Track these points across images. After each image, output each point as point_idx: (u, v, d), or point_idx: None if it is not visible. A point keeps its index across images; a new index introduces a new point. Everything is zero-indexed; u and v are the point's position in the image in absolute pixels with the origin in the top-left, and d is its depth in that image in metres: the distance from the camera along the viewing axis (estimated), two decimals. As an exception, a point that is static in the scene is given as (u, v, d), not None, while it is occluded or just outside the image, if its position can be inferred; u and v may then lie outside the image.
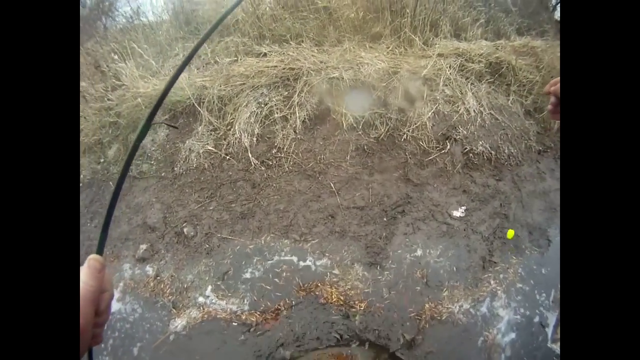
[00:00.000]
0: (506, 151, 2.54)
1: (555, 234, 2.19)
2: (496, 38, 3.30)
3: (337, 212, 1.98)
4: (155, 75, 2.73)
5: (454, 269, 1.90)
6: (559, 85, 0.71)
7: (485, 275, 1.94)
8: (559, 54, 2.90)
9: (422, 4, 3.07)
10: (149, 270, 2.01)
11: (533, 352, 1.70)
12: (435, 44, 3.00)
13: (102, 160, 2.70)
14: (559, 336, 1.81)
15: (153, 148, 2.48)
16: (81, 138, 2.79)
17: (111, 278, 0.51)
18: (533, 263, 2.01)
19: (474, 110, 2.65)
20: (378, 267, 1.82)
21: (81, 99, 2.98)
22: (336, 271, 1.80)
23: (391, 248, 1.90)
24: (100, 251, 0.57)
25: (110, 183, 2.55)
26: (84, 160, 2.76)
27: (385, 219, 1.98)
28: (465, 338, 1.71)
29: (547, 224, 2.20)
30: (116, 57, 2.99)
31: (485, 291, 1.88)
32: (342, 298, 1.72)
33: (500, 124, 2.67)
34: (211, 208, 2.08)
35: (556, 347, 1.75)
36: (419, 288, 1.79)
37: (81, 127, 2.83)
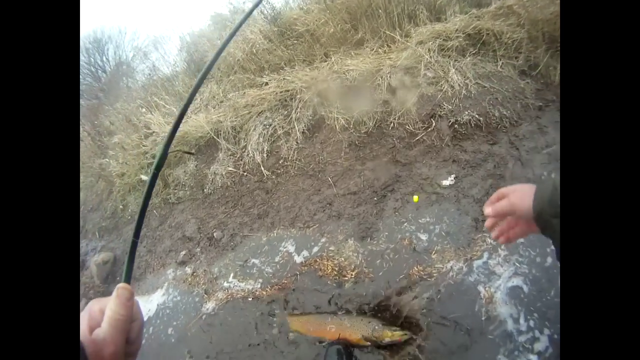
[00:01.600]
0: (497, 114, 2.76)
1: (562, 181, 2.36)
2: (477, 9, 3.39)
3: (334, 200, 2.45)
4: (179, 120, 3.65)
5: (443, 233, 2.18)
6: (500, 202, 0.76)
7: (479, 235, 2.13)
8: (537, 5, 3.02)
9: (395, 0, 3.44)
10: (188, 270, 2.67)
11: (542, 308, 1.75)
12: (412, 33, 3.34)
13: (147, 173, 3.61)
14: None
15: (185, 177, 3.29)
16: (125, 180, 3.74)
17: (140, 307, 0.56)
18: None
19: (458, 85, 2.92)
20: (369, 240, 2.21)
21: (120, 149, 3.98)
22: (332, 247, 2.24)
23: (382, 222, 2.28)
24: (127, 280, 0.62)
25: (155, 212, 3.43)
26: (130, 198, 3.71)
27: (375, 199, 2.39)
28: (459, 296, 1.90)
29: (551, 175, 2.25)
30: (143, 110, 3.98)
31: (479, 250, 2.07)
32: (336, 269, 2.14)
33: (488, 90, 2.90)
34: (235, 214, 2.72)
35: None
36: (407, 254, 2.12)
37: (124, 171, 3.79)
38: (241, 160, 2.97)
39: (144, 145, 3.74)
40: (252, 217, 2.66)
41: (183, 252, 2.80)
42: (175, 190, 3.28)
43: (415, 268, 2.09)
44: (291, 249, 2.39)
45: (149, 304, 2.92)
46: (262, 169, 2.83)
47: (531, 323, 1.74)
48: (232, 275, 2.48)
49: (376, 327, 1.88)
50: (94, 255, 3.70)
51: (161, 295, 2.85)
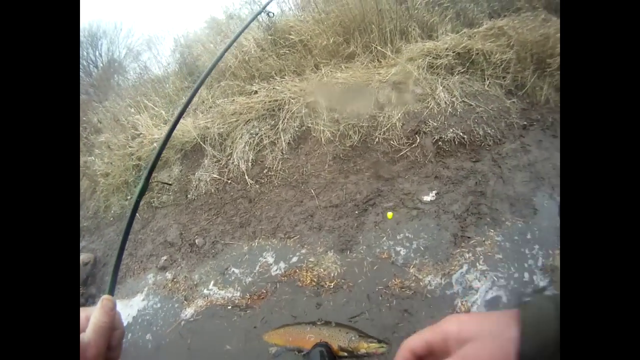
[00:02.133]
0: (481, 132, 2.83)
1: (541, 201, 2.30)
2: (468, 29, 3.54)
3: (315, 212, 2.49)
4: (166, 123, 3.63)
5: (422, 247, 2.23)
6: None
7: (457, 250, 2.18)
8: (527, 27, 3.15)
9: (388, 16, 3.55)
10: (168, 275, 2.67)
11: None
12: (403, 50, 3.44)
13: (128, 197, 3.60)
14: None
15: (171, 181, 3.34)
16: (110, 180, 3.72)
17: (121, 317, 0.61)
18: (516, 233, 2.13)
19: (444, 102, 2.99)
20: (348, 252, 2.25)
21: (107, 148, 3.96)
22: (312, 259, 2.28)
23: (362, 235, 2.33)
24: (111, 292, 0.69)
25: (138, 215, 3.42)
26: (113, 199, 3.69)
27: (356, 212, 2.43)
28: (436, 309, 1.93)
29: (532, 193, 2.34)
30: (132, 110, 3.98)
31: (456, 265, 2.12)
32: (315, 280, 2.18)
33: (473, 109, 2.98)
34: (217, 222, 2.73)
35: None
36: (385, 267, 2.16)
37: (109, 171, 3.76)
38: (226, 167, 2.99)
39: (130, 147, 3.73)
40: (234, 226, 2.68)
41: (164, 257, 2.80)
42: (159, 194, 3.27)
43: (394, 281, 2.13)
44: (271, 259, 2.42)
45: (128, 309, 2.90)
46: (247, 177, 2.86)
47: None
48: (212, 282, 2.49)
49: (353, 338, 1.92)
50: (74, 255, 3.64)
51: (141, 300, 2.84)
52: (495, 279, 2.00)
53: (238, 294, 2.35)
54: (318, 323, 2.05)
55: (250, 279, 2.39)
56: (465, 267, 2.12)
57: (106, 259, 3.41)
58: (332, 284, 2.18)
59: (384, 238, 2.37)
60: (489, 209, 2.39)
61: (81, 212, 4.04)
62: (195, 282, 2.55)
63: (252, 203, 2.75)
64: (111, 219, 3.66)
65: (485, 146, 2.81)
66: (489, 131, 2.90)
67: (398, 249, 2.31)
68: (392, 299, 2.06)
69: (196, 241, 2.73)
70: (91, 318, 0.55)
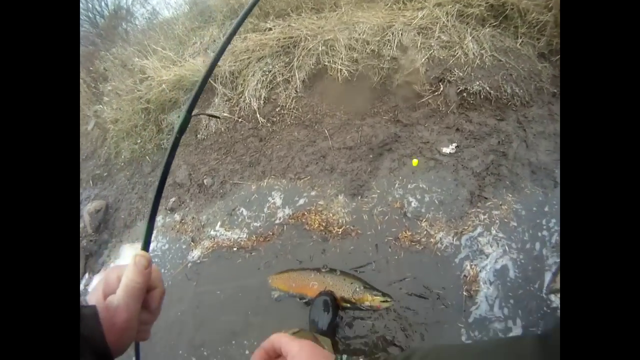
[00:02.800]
0: (508, 91, 2.60)
1: (564, 176, 2.22)
2: None
3: (328, 153, 2.35)
4: (175, 64, 3.46)
5: (437, 201, 2.10)
6: None
7: (473, 210, 2.06)
8: None
9: None
10: (176, 217, 2.62)
11: (524, 299, 1.69)
12: None
13: (139, 141, 3.51)
14: (558, 286, 1.71)
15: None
16: (119, 126, 3.62)
17: (161, 275, 0.55)
18: (533, 203, 2.00)
19: (472, 53, 2.74)
20: (359, 198, 2.14)
21: (115, 95, 3.83)
22: (321, 202, 2.17)
23: (375, 181, 2.19)
24: (146, 247, 0.62)
25: (147, 157, 3.35)
26: (124, 145, 3.61)
27: (371, 156, 2.28)
28: (444, 269, 1.85)
29: (555, 165, 2.19)
30: (140, 54, 3.80)
31: (470, 225, 2.02)
32: (323, 224, 2.08)
33: (503, 65, 2.74)
34: (227, 161, 2.62)
35: (554, 299, 1.68)
36: (397, 217, 2.05)
37: (118, 117, 3.65)
38: (237, 106, 2.83)
39: (138, 90, 3.58)
40: (243, 165, 2.57)
41: (173, 199, 2.73)
42: (169, 136, 3.17)
43: (403, 233, 2.02)
44: (279, 200, 2.32)
45: (136, 252, 2.90)
46: (258, 115, 2.70)
47: (506, 311, 1.71)
48: (219, 224, 2.42)
49: (357, 289, 1.85)
50: (87, 203, 3.66)
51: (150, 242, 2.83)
52: (507, 248, 1.90)
53: (244, 235, 2.28)
54: (323, 270, 1.98)
55: (257, 221, 2.31)
56: (478, 230, 2.01)
57: (117, 204, 3.39)
58: (340, 230, 2.08)
59: (398, 186, 2.24)
60: (509, 172, 2.24)
61: (93, 161, 4.02)
62: (202, 224, 2.48)
63: (263, 142, 2.62)
64: (122, 164, 3.60)
65: (512, 106, 2.61)
66: (517, 91, 2.64)
67: (411, 199, 2.17)
68: (401, 252, 1.97)
69: (205, 181, 2.64)
70: (122, 278, 0.50)
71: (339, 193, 2.20)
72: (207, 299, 2.18)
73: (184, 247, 2.48)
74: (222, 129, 2.82)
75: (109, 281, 0.52)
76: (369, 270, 1.96)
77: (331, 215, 2.11)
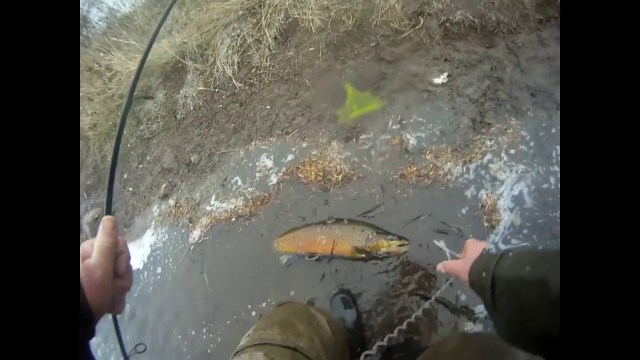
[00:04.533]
0: (493, 18, 2.38)
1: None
2: None
3: (313, 103, 2.15)
4: (140, 52, 3.24)
5: (437, 132, 1.92)
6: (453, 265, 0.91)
7: (478, 137, 1.88)
8: None
9: None
10: (171, 202, 2.45)
11: (547, 225, 1.57)
12: None
13: (122, 140, 3.33)
14: None
15: (156, 109, 2.98)
16: (99, 129, 3.42)
17: (125, 241, 0.58)
18: (539, 126, 1.86)
19: None
20: (354, 141, 1.96)
21: (87, 100, 3.62)
22: (314, 152, 1.98)
23: (367, 121, 2.01)
24: (109, 211, 0.72)
25: (132, 152, 3.16)
26: (107, 147, 3.42)
27: None
28: (459, 201, 1.69)
29: (554, 88, 2.04)
30: (103, 54, 3.58)
31: (478, 152, 1.85)
32: (320, 174, 1.91)
33: None
34: (210, 134, 2.43)
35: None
36: (397, 154, 1.88)
37: (95, 121, 3.46)
38: (211, 77, 2.61)
39: (109, 89, 3.37)
40: (227, 133, 2.37)
41: (164, 185, 2.56)
42: (149, 125, 2.96)
43: (409, 169, 1.83)
44: (270, 159, 2.13)
45: (141, 249, 2.74)
46: (234, 81, 2.48)
47: (531, 238, 1.59)
48: (213, 197, 2.24)
49: (370, 236, 1.66)
50: (84, 215, 3.51)
51: (150, 235, 2.67)
52: (521, 173, 1.76)
53: (240, 203, 2.10)
54: (329, 222, 1.79)
55: (251, 186, 2.12)
56: (488, 156, 1.85)
57: (114, 207, 3.23)
58: (340, 177, 1.89)
59: (392, 124, 2.04)
60: (508, 97, 2.06)
61: (83, 173, 3.84)
62: (197, 202, 2.31)
63: (244, 106, 2.41)
64: (109, 167, 3.42)
65: (499, 33, 2.37)
66: (502, 18, 2.40)
67: (410, 134, 1.98)
68: (409, 189, 1.79)
69: (191, 159, 2.45)
70: (95, 242, 0.54)
71: (332, 140, 2.00)
72: (215, 277, 2.03)
73: (183, 231, 2.31)
74: (200, 103, 2.61)
75: (85, 249, 0.54)
76: (379, 214, 1.77)
77: (327, 163, 1.93)
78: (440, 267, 1.00)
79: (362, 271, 1.70)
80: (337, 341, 1.08)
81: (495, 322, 0.64)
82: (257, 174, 2.09)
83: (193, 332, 2.04)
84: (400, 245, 1.63)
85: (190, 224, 2.26)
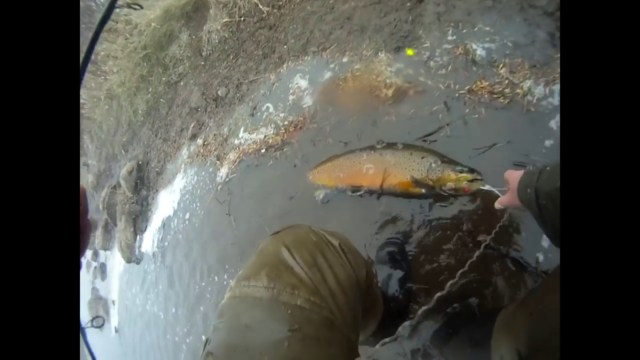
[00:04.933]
0: None
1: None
2: None
3: (353, 14, 1.83)
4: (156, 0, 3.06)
5: (509, 44, 1.54)
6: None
7: (558, 55, 1.48)
8: None
9: None
10: (199, 141, 2.31)
11: None
12: None
13: (149, 89, 3.20)
14: None
15: (181, 52, 2.79)
16: (127, 85, 3.34)
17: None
18: None
19: None
20: (406, 51, 1.63)
21: (112, 59, 3.54)
22: (358, 66, 1.66)
23: (421, 29, 1.66)
24: None
25: (161, 100, 3.04)
26: (137, 100, 3.33)
27: (408, 4, 1.74)
28: (542, 129, 1.35)
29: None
30: (117, 9, 3.44)
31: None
32: (365, 90, 1.60)
33: None
34: (238, 64, 2.21)
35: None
36: (463, 65, 1.52)
37: (122, 78, 3.38)
38: (235, 7, 2.34)
39: (131, 43, 3.26)
40: (256, 60, 2.13)
41: (192, 125, 2.41)
42: (175, 69, 2.81)
43: (479, 83, 1.46)
44: (305, 80, 1.86)
45: (173, 195, 2.65)
46: (261, 6, 2.20)
47: None
48: (241, 129, 2.03)
49: (433, 165, 1.28)
50: (121, 171, 3.52)
51: (181, 179, 2.56)
52: None
53: (271, 131, 1.86)
54: (378, 147, 1.42)
55: (283, 111, 1.87)
56: None
57: (147, 157, 3.19)
58: (391, 92, 1.56)
59: (452, 33, 1.68)
60: None
61: (120, 132, 3.84)
62: (224, 136, 2.12)
63: (273, 29, 2.13)
64: (142, 119, 3.36)
65: None
66: None
67: (476, 44, 1.60)
68: (481, 108, 1.42)
69: (219, 93, 2.25)
70: None
71: (378, 51, 1.67)
72: (242, 219, 1.84)
73: (210, 170, 2.14)
74: (226, 35, 2.37)
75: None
76: (443, 139, 1.40)
77: (374, 77, 1.61)
78: (497, 204, 0.94)
79: (413, 210, 1.36)
80: (352, 287, 0.67)
81: (545, 231, 0.69)
82: (290, 97, 1.83)
83: (216, 278, 1.91)
84: (472, 181, 1.20)
85: (218, 162, 2.08)
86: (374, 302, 0.88)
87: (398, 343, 1.24)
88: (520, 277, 1.17)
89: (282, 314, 0.55)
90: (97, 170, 4.41)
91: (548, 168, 0.68)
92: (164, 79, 2.88)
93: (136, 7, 2.22)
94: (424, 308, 0.92)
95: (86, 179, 4.57)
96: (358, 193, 1.44)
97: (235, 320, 0.56)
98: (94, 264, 4.83)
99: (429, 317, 1.20)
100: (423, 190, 1.30)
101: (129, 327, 3.28)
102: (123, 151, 3.81)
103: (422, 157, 1.31)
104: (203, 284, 2.02)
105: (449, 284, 1.00)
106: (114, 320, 3.79)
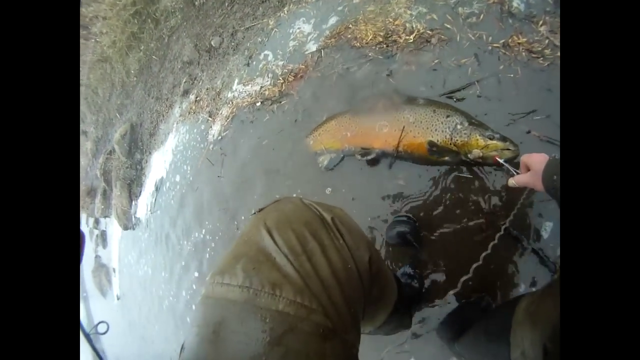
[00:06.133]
0: None
1: None
2: None
3: (367, -46, 1.58)
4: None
5: (550, 1, 1.25)
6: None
7: None
8: None
9: None
10: (191, 97, 2.09)
11: None
12: None
13: (141, 47, 2.95)
14: None
15: (173, 4, 2.53)
16: (118, 45, 3.08)
17: None
18: None
19: None
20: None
21: (102, 20, 3.26)
22: (371, 7, 1.41)
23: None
24: None
25: (154, 57, 2.80)
26: (129, 60, 3.09)
27: None
28: None
29: None
30: None
31: None
32: (381, 34, 1.34)
33: None
34: (234, 11, 1.97)
35: None
36: (498, 16, 1.27)
37: (113, 38, 3.12)
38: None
39: (119, 1, 2.99)
40: (254, 5, 1.86)
41: (184, 80, 2.18)
42: (167, 22, 2.55)
43: (516, 38, 1.21)
44: (309, 25, 1.61)
45: (165, 156, 2.46)
46: (258, -55, 1.94)
47: None
48: (236, 81, 1.80)
49: (458, 127, 1.05)
50: (114, 135, 3.32)
51: (172, 139, 2.37)
52: None
53: (268, 82, 1.63)
54: (394, 102, 1.17)
55: (282, 59, 1.63)
56: None
57: (141, 118, 2.98)
58: (412, 38, 1.30)
59: None
60: None
61: (114, 94, 3.61)
62: (217, 90, 1.89)
63: (274, -28, 1.89)
64: (134, 79, 3.13)
65: None
66: None
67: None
68: (517, 67, 1.17)
69: (212, 43, 2.00)
70: None
71: (396, -10, 1.44)
72: (234, 183, 1.64)
73: (202, 127, 1.93)
74: (222, -18, 2.12)
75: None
76: (472, 97, 1.16)
77: (391, 20, 1.37)
78: (512, 181, 0.85)
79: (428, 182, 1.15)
80: (351, 276, 0.51)
81: None
82: (291, 43, 1.60)
83: (213, 243, 1.76)
84: (504, 149, 0.97)
85: (210, 119, 1.87)
86: (383, 290, 0.68)
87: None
88: (539, 269, 1.00)
89: (258, 323, 0.41)
90: (95, 136, 4.21)
91: None
92: (156, 34, 2.62)
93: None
94: (450, 292, 0.87)
95: (85, 146, 4.39)
96: (369, 157, 1.20)
97: (205, 329, 0.43)
98: (96, 232, 4.73)
99: (441, 310, 1.04)
100: (447, 158, 1.08)
101: (130, 293, 3.21)
102: (118, 115, 3.60)
103: (447, 116, 1.09)
104: (193, 249, 1.88)
105: (473, 267, 0.90)
106: (115, 288, 3.72)
